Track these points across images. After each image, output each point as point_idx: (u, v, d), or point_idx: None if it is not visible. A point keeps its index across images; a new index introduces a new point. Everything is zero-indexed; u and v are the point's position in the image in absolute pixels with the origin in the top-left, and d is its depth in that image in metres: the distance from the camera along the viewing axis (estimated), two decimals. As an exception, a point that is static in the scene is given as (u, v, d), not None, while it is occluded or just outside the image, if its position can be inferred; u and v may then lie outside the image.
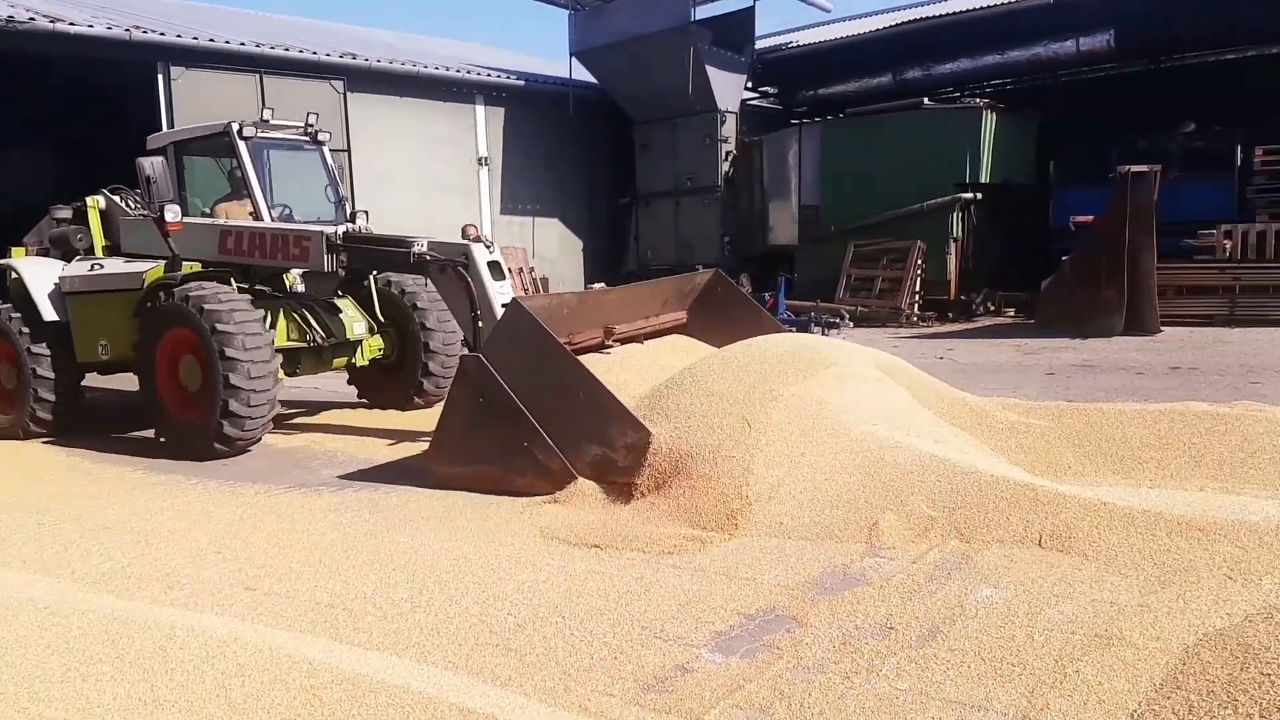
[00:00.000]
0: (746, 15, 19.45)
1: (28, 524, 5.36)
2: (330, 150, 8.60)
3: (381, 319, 8.51)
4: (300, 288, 8.38)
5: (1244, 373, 9.01)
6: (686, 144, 19.51)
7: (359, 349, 8.30)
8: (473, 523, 4.91)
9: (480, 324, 6.41)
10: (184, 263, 7.53)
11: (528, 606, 3.67)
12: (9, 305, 8.31)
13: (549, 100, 19.89)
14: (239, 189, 7.95)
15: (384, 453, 6.97)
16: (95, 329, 8.01)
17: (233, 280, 7.56)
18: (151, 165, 7.41)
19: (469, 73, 18.67)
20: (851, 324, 14.60)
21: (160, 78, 13.99)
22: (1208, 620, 3.22)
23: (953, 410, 5.71)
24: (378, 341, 8.43)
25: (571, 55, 19.86)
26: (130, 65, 14.13)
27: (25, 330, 8.11)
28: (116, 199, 8.60)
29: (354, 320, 8.19)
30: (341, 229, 7.25)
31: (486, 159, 19.05)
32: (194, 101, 14.04)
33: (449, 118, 18.28)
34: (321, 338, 7.88)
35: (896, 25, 19.51)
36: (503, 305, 6.16)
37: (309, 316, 7.91)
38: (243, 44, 14.97)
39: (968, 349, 11.95)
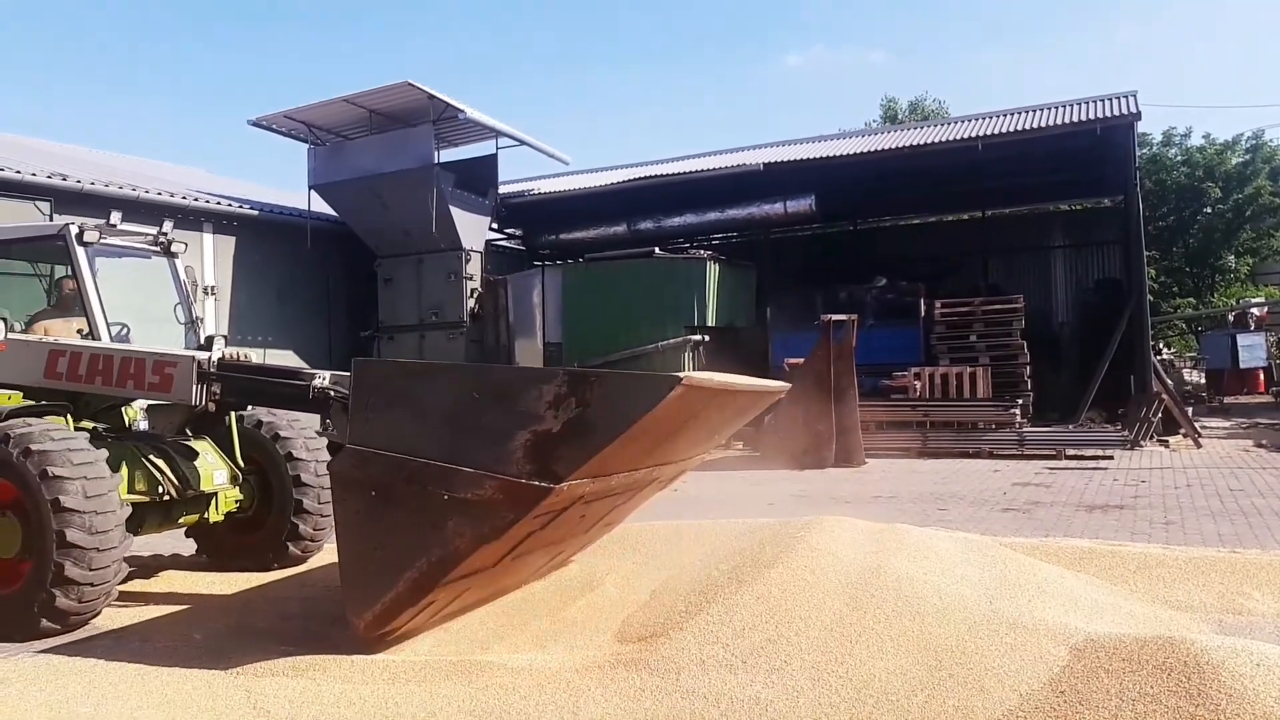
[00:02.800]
0: (489, 161, 20.22)
1: None
2: (184, 264, 7.48)
3: (242, 464, 6.96)
4: (143, 424, 6.83)
5: (934, 500, 10.06)
6: (431, 279, 19.59)
7: (214, 502, 6.72)
8: (170, 685, 4.44)
9: None
10: (2, 392, 6.18)
11: (227, 777, 3.36)
12: None
13: (285, 230, 19.38)
14: (65, 302, 6.72)
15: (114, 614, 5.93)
16: None
17: (69, 417, 6.20)
18: None
19: (196, 199, 17.87)
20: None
21: None
22: None
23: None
24: (236, 493, 6.87)
25: (311, 188, 19.59)
26: None
27: None
28: None
29: (214, 468, 6.63)
30: (216, 355, 6.02)
31: (214, 289, 18.10)
32: None
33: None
34: (175, 489, 6.33)
35: (629, 181, 20.93)
36: None
37: (160, 462, 6.35)
38: (-71, 157, 13.56)
39: (698, 481, 12.50)
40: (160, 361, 5.93)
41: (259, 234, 18.93)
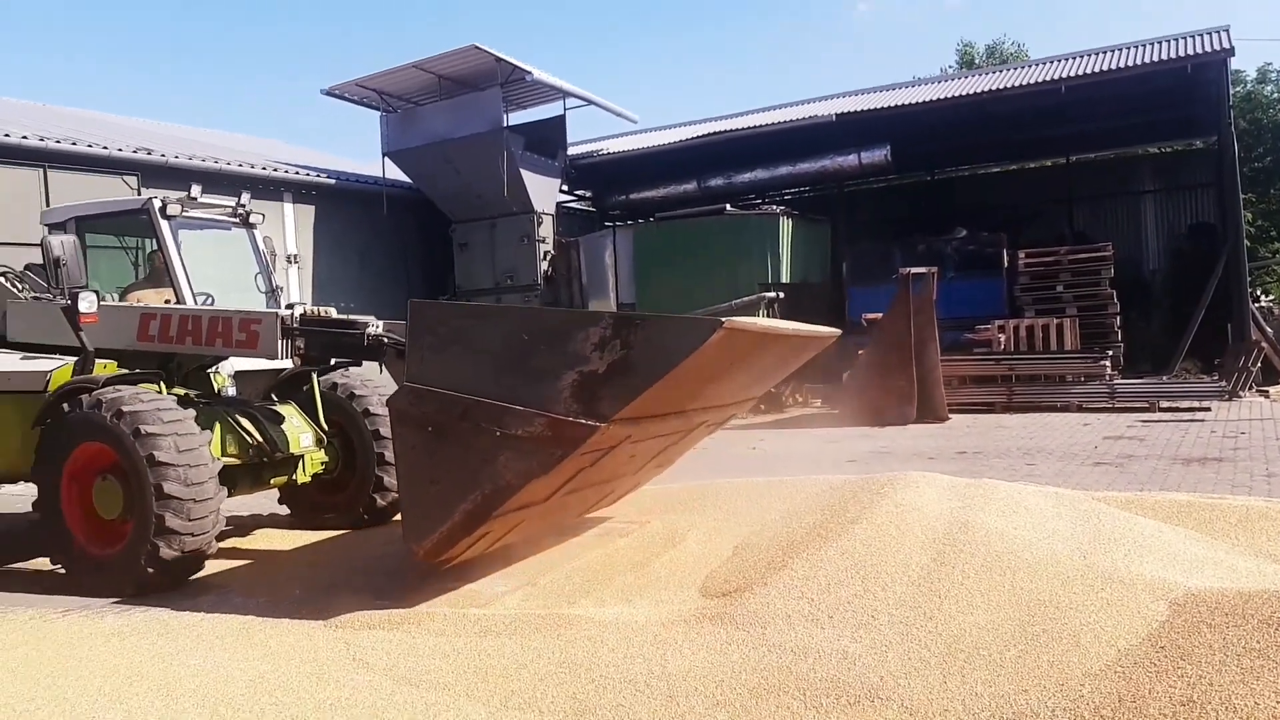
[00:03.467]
0: (558, 123, 20.20)
1: None
2: (262, 234, 7.76)
3: (325, 427, 7.21)
4: (231, 391, 7.19)
5: (1021, 455, 9.85)
6: (505, 243, 19.76)
7: (301, 464, 6.98)
8: (273, 638, 4.63)
9: None
10: (98, 361, 6.46)
11: (330, 725, 3.49)
12: None
13: (362, 198, 19.73)
14: (156, 274, 7.05)
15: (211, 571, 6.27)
16: None
17: (161, 385, 6.48)
18: (61, 244, 6.34)
19: (276, 170, 18.28)
20: (668, 418, 14.96)
21: (-73, 169, 12.93)
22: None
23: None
24: (321, 455, 7.12)
25: (385, 155, 19.86)
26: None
27: None
28: (3, 280, 7.42)
29: (300, 431, 6.90)
30: (298, 310, 6.24)
31: (296, 257, 18.56)
32: (-34, 195, 13.02)
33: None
34: (264, 452, 6.61)
35: (699, 137, 20.71)
36: None
37: (249, 426, 6.63)
38: (24, 136, 14.07)
39: (777, 440, 12.48)
40: (246, 319, 6.15)
41: (337, 202, 19.31)
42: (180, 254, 6.96)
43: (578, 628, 4.38)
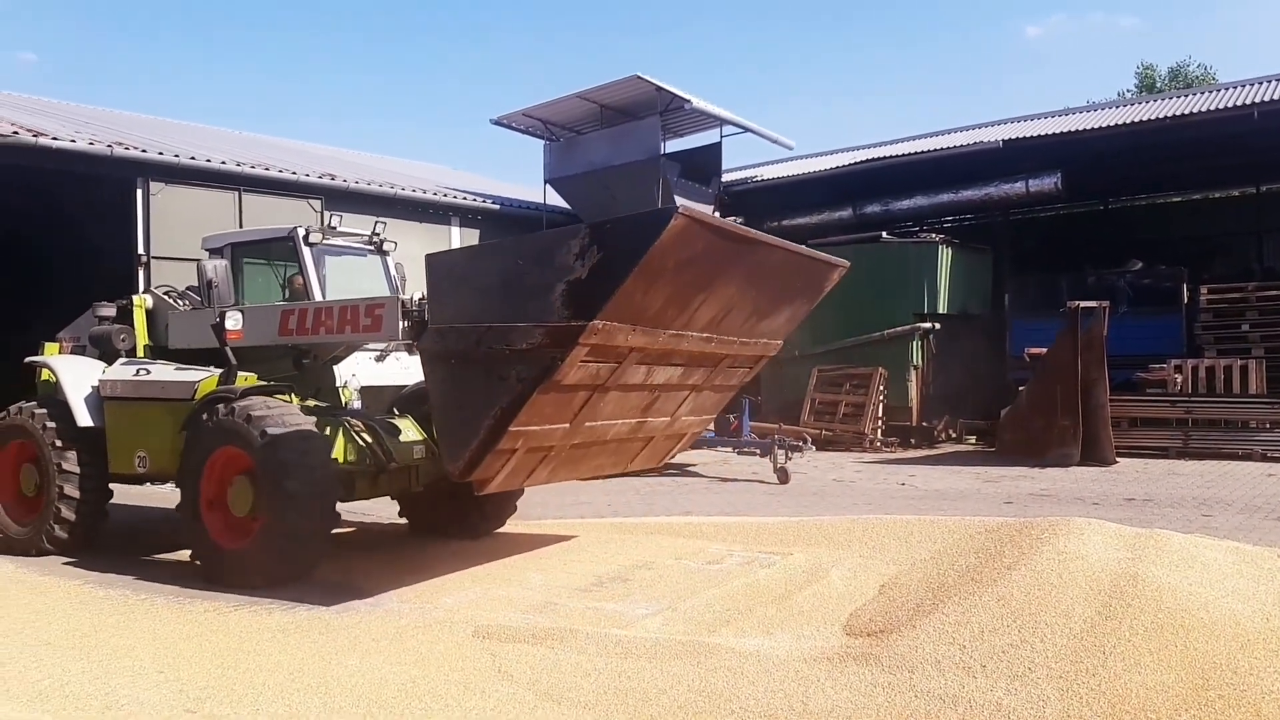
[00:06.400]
0: (714, 150, 20.28)
1: (-37, 641, 5.18)
2: (395, 261, 8.33)
3: None
4: (356, 404, 7.85)
5: (1197, 505, 9.18)
6: (657, 269, 19.95)
7: (415, 473, 7.42)
8: (424, 645, 4.82)
9: None
10: (239, 374, 7.14)
11: (475, 734, 3.61)
12: (41, 408, 7.68)
13: (523, 224, 20.37)
14: (297, 296, 7.72)
15: (359, 574, 6.69)
16: (134, 439, 7.41)
17: (292, 396, 7.09)
18: (214, 268, 7.22)
19: (445, 195, 19.18)
20: (815, 448, 14.68)
21: (140, 192, 14.22)
22: None
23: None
24: (433, 468, 7.38)
25: (546, 182, 20.48)
26: (109, 180, 14.35)
27: (57, 442, 7.48)
28: (166, 298, 8.28)
29: (414, 443, 7.36)
30: (418, 294, 6.60)
31: (458, 278, 19.35)
32: (172, 216, 14.26)
33: (425, 237, 18.61)
34: (381, 460, 7.09)
35: (856, 163, 20.36)
36: None
37: (368, 436, 7.14)
38: (223, 162, 15.30)
39: (928, 476, 12.08)
40: (371, 305, 6.66)
41: (500, 227, 20.03)
42: (318, 276, 7.59)
43: (718, 657, 4.36)
